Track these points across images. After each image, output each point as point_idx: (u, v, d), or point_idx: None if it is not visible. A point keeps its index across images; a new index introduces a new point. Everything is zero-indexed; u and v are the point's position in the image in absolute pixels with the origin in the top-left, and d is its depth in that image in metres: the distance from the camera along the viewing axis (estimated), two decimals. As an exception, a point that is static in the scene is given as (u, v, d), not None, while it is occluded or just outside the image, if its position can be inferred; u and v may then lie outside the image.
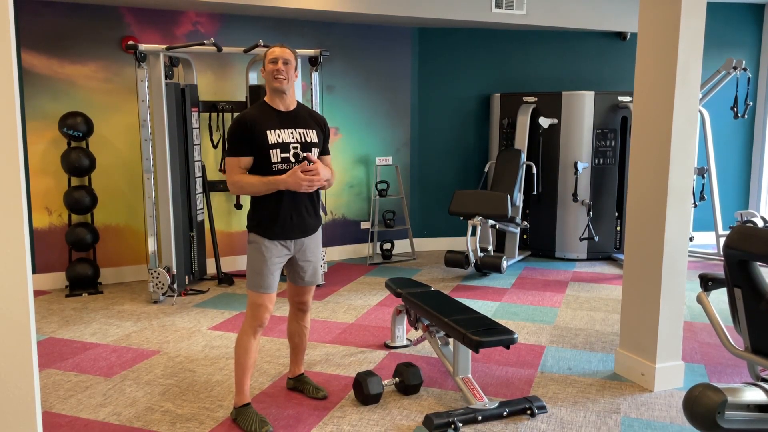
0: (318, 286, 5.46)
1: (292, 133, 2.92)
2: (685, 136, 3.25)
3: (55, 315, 4.70)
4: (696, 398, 2.07)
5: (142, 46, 4.82)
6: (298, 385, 3.37)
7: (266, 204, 2.89)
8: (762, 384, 2.21)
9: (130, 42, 4.99)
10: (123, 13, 5.43)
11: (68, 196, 5.22)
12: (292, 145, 2.90)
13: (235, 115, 2.94)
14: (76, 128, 5.14)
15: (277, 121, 2.91)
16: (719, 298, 3.20)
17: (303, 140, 2.94)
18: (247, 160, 2.87)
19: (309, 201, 2.98)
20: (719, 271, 2.66)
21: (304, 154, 2.91)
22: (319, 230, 3.10)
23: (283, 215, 2.90)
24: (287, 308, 3.36)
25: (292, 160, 2.90)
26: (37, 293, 5.25)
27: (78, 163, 5.17)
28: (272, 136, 2.87)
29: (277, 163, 2.87)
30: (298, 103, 3.05)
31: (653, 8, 3.30)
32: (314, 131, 3.00)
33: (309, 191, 2.87)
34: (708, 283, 2.82)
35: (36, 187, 5.28)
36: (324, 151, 3.07)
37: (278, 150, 2.87)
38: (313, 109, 5.44)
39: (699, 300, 2.82)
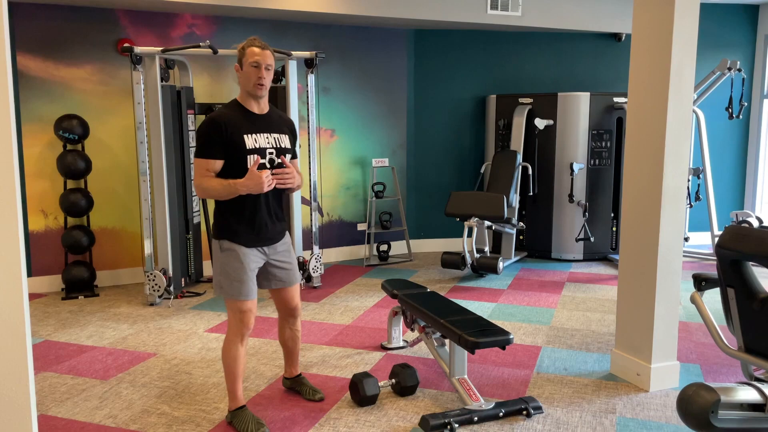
0: (314, 287, 5.47)
1: (267, 138, 2.84)
2: (679, 137, 3.26)
3: (51, 318, 4.69)
4: (690, 398, 2.08)
5: (138, 49, 4.81)
6: (295, 386, 3.36)
7: (242, 211, 2.80)
8: (755, 383, 2.22)
9: (126, 44, 5.00)
10: (118, 16, 5.43)
11: (64, 198, 5.21)
12: (268, 150, 2.82)
13: (206, 117, 2.78)
14: (72, 131, 5.14)
15: (253, 124, 2.81)
16: (714, 298, 3.21)
17: (278, 146, 2.86)
18: (217, 164, 2.76)
19: (278, 206, 2.93)
20: (715, 271, 2.67)
21: (278, 160, 2.87)
22: (287, 233, 3.06)
23: (259, 222, 2.85)
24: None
25: (268, 166, 2.84)
26: (34, 296, 5.24)
27: (74, 165, 5.17)
28: (249, 141, 2.77)
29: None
30: (269, 105, 2.98)
31: (647, 9, 3.32)
32: (287, 137, 2.94)
33: (269, 190, 2.75)
34: (702, 283, 2.83)
35: (32, 189, 5.28)
36: (293, 155, 3.02)
37: (256, 155, 2.79)
38: (309, 111, 5.46)
39: (692, 300, 2.83)
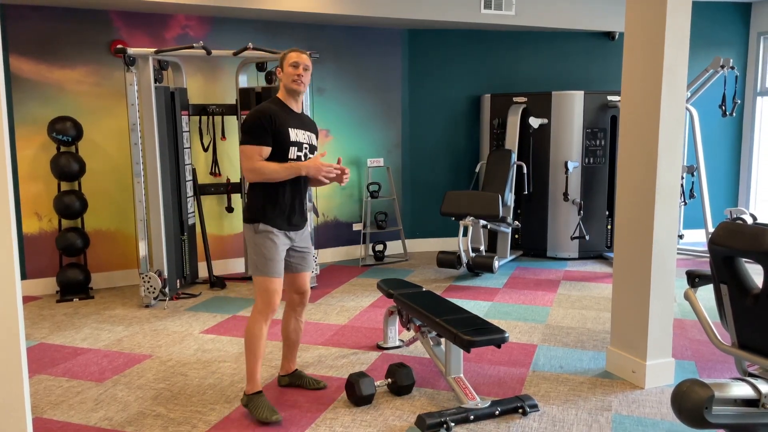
0: (311, 288, 5.46)
1: (304, 134, 3.11)
2: (672, 135, 3.27)
3: (46, 320, 4.68)
4: (684, 394, 2.09)
5: (131, 50, 4.80)
6: (295, 380, 3.43)
7: (276, 197, 3.03)
8: (749, 379, 2.23)
9: (119, 46, 4.99)
10: (112, 17, 5.42)
11: (58, 201, 5.20)
12: (304, 145, 3.10)
13: (252, 109, 3.11)
14: (65, 133, 5.12)
15: (293, 120, 3.07)
16: (708, 294, 3.22)
17: (310, 143, 3.15)
18: (267, 150, 2.97)
19: (304, 197, 3.18)
20: (709, 268, 2.68)
21: (312, 155, 3.16)
22: (308, 224, 3.29)
23: (290, 210, 3.08)
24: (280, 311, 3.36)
25: (303, 160, 3.08)
26: (28, 299, 5.22)
27: (67, 167, 5.16)
28: (292, 134, 3.03)
29: (293, 159, 3.05)
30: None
31: (639, 7, 3.33)
32: (315, 136, 3.21)
33: (324, 182, 3.10)
34: (695, 279, 2.84)
35: (26, 192, 5.26)
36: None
37: (295, 148, 3.05)
38: (304, 111, 5.46)
39: (686, 296, 2.84)
